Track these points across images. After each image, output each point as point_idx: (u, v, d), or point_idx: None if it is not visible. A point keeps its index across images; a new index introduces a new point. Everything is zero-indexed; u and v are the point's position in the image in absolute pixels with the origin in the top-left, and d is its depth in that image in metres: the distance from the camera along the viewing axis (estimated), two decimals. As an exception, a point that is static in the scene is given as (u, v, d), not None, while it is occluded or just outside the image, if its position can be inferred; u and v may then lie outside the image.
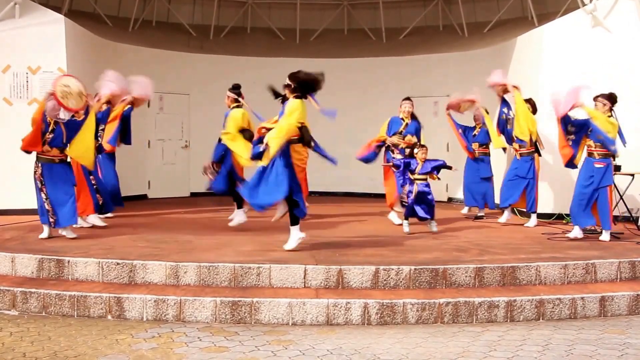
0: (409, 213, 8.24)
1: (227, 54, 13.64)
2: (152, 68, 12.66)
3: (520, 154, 9.13)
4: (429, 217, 8.18)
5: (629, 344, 5.01)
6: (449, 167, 8.30)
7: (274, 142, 6.49)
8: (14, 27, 9.56)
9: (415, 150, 8.35)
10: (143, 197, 12.62)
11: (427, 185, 8.19)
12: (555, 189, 9.68)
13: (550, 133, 9.77)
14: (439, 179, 8.37)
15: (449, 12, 14.06)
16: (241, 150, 8.04)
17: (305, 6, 14.64)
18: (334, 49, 14.14)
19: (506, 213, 9.46)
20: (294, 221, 6.77)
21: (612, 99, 7.89)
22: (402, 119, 9.05)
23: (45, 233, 7.41)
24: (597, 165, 7.84)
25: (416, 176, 8.19)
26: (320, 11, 14.73)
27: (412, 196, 8.16)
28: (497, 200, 10.10)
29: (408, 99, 9.26)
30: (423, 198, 8.14)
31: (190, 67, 13.24)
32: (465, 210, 10.63)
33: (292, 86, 6.73)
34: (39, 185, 7.36)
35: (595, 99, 7.96)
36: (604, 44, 9.66)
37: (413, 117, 9.08)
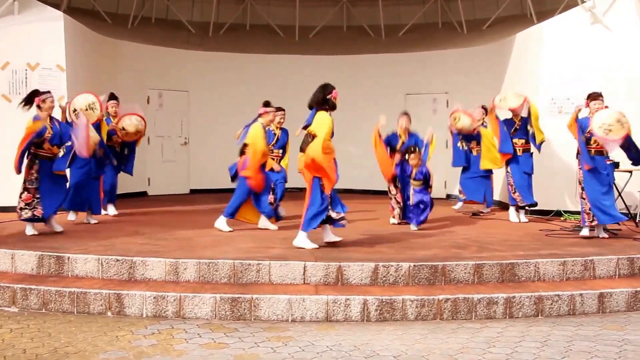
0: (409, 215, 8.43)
1: (227, 51, 13.64)
2: (151, 65, 12.69)
3: (522, 150, 9.12)
4: (421, 219, 8.32)
5: (627, 340, 5.03)
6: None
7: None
8: (13, 24, 9.55)
9: (406, 156, 8.35)
10: (143, 194, 12.63)
11: (421, 191, 8.26)
12: (554, 187, 9.69)
13: (550, 130, 9.80)
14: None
15: (448, 9, 14.07)
16: None
17: (305, 3, 14.64)
18: (333, 46, 14.14)
19: (514, 211, 9.29)
20: None
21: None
22: (399, 135, 8.71)
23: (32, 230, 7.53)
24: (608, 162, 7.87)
25: (412, 182, 8.27)
26: (320, 8, 14.72)
27: (410, 201, 8.32)
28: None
29: (405, 114, 8.83)
30: (418, 203, 8.27)
31: (189, 64, 13.24)
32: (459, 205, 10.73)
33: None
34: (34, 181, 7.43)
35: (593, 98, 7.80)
36: (603, 41, 9.66)
37: (410, 133, 8.73)
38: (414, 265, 6.03)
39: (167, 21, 14.26)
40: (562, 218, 9.43)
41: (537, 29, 10.36)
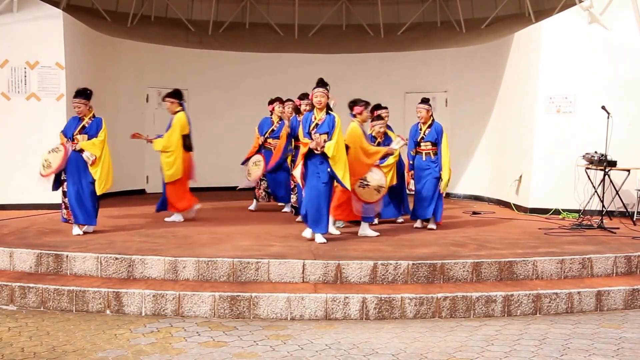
0: None
1: (226, 50, 13.63)
2: (150, 63, 12.69)
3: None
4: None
5: (625, 338, 5.04)
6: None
7: None
8: (12, 22, 9.54)
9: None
10: (141, 192, 12.63)
11: None
12: (552, 185, 9.70)
13: (548, 129, 9.81)
14: None
15: (447, 8, 14.06)
16: None
17: (304, 2, 14.62)
18: (333, 44, 14.14)
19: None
20: None
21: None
22: (420, 127, 8.31)
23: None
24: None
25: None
26: (319, 7, 14.71)
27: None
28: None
29: (424, 101, 8.33)
30: None
31: (188, 62, 13.23)
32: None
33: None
34: None
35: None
36: (601, 40, 9.67)
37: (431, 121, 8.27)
38: (413, 264, 6.04)
39: (166, 19, 14.24)
40: (560, 216, 9.44)
41: (535, 28, 10.36)
